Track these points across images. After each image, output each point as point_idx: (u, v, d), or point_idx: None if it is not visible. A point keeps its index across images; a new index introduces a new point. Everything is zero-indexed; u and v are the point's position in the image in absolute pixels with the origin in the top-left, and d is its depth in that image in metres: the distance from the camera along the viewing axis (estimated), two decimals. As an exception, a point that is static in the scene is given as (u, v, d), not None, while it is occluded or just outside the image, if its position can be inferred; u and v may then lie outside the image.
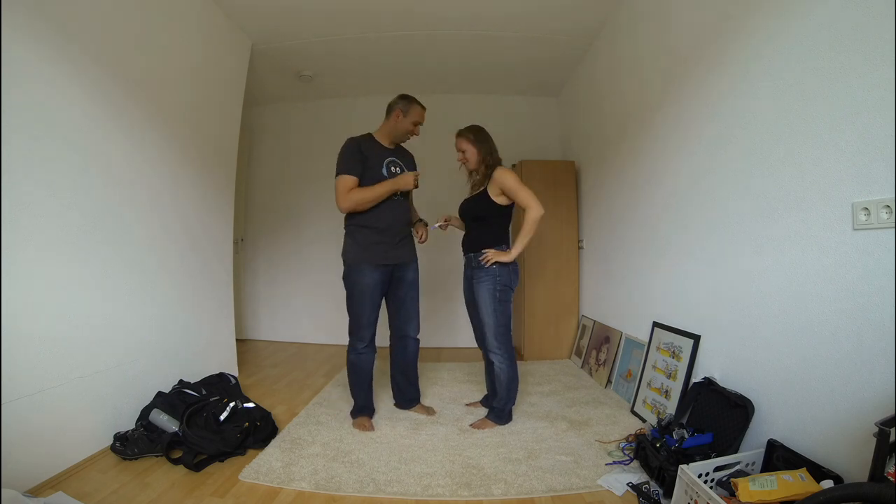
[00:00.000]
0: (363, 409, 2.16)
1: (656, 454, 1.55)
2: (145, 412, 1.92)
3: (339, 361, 3.32)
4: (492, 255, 2.00)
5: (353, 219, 2.07)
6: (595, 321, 3.10)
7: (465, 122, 2.21)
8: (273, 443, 1.90)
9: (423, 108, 2.13)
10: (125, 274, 1.98)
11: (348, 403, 2.27)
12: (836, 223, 1.26)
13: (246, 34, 2.96)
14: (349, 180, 1.99)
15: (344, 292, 2.11)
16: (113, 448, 1.76)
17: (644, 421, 2.11)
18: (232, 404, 1.93)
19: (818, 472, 1.22)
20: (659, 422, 1.77)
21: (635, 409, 2.23)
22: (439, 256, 3.73)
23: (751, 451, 1.44)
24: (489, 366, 2.20)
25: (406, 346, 2.22)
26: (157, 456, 1.75)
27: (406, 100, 2.10)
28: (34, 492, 1.46)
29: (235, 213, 3.02)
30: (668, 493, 1.40)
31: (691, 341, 1.93)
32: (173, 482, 1.59)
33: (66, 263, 1.70)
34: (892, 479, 0.94)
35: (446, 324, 3.87)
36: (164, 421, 1.85)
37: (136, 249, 2.06)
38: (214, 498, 1.50)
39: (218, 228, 2.77)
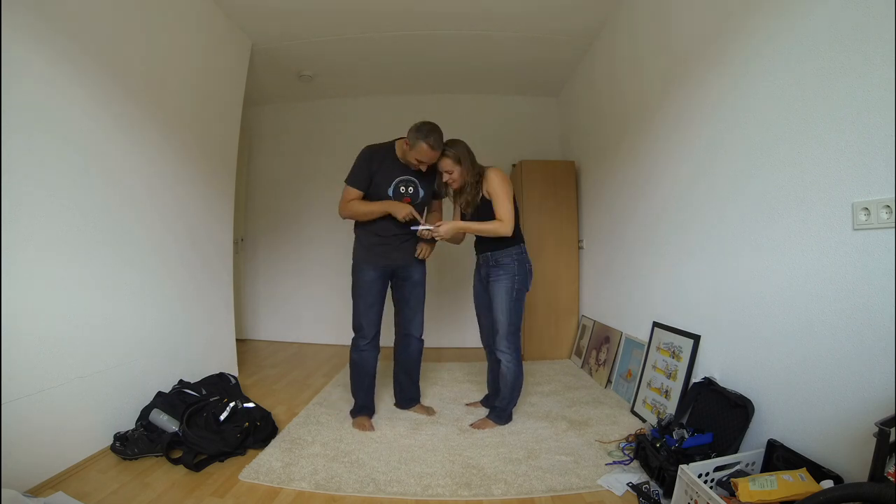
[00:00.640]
0: (363, 409, 2.16)
1: (656, 454, 1.55)
2: (145, 412, 1.92)
3: (339, 361, 3.32)
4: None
5: (360, 222, 2.12)
6: (595, 321, 3.10)
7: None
8: (273, 443, 1.90)
9: (433, 148, 1.89)
10: (125, 274, 1.98)
11: (348, 403, 2.28)
12: (836, 223, 1.26)
13: (246, 34, 2.96)
14: (352, 192, 2.04)
15: (347, 292, 2.14)
16: (113, 448, 1.76)
17: (644, 421, 2.11)
18: (232, 404, 1.93)
19: (818, 472, 1.22)
20: (659, 422, 1.77)
21: (635, 409, 2.23)
22: (439, 257, 3.72)
23: (751, 451, 1.44)
24: (493, 365, 2.20)
25: (409, 345, 2.22)
26: (157, 456, 1.75)
27: (418, 133, 1.88)
28: (34, 492, 1.46)
29: (235, 213, 3.02)
30: (668, 493, 1.40)
31: (691, 341, 1.93)
32: (173, 482, 1.59)
33: (66, 263, 1.69)
34: (892, 479, 0.94)
35: (446, 324, 3.87)
36: (164, 421, 1.85)
37: (136, 249, 2.06)
38: (214, 498, 1.50)
39: (218, 228, 2.77)
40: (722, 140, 1.77)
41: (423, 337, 2.25)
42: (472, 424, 2.10)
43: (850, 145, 1.21)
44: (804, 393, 1.36)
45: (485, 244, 2.11)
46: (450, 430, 2.05)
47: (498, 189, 1.98)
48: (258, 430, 1.89)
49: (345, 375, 2.27)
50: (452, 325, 3.88)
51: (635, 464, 1.68)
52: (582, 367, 3.06)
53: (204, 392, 2.09)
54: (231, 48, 2.86)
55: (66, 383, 1.66)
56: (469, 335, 3.56)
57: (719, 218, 1.79)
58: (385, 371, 2.60)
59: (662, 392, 2.05)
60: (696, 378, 1.85)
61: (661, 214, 2.26)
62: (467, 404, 2.40)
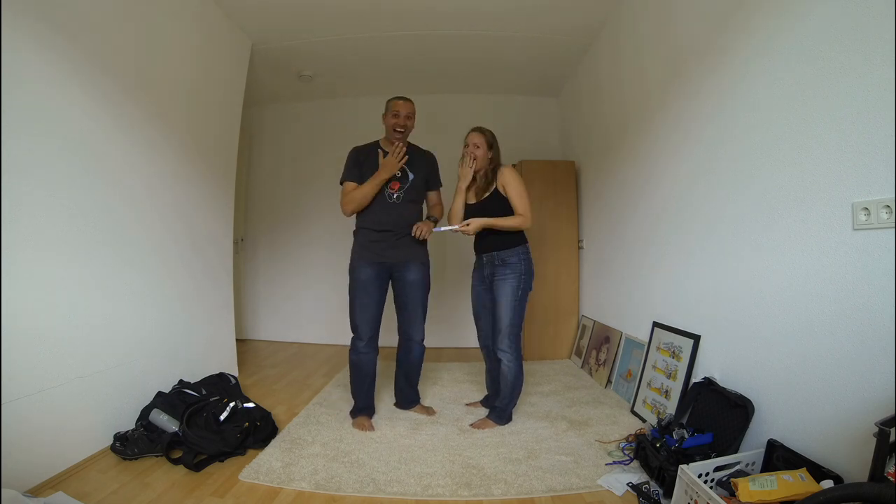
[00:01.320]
0: (363, 410, 2.16)
1: (656, 454, 1.55)
2: (145, 412, 1.92)
3: (339, 361, 3.32)
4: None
5: (357, 220, 2.15)
6: (595, 321, 3.10)
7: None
8: (273, 443, 1.90)
9: (401, 99, 2.12)
10: (125, 274, 1.98)
11: (348, 403, 2.27)
12: (836, 223, 1.26)
13: (246, 34, 2.96)
14: (349, 186, 2.10)
15: (346, 292, 2.14)
16: (113, 448, 1.76)
17: (644, 421, 2.11)
18: (232, 404, 1.93)
19: (818, 472, 1.22)
20: (659, 422, 1.77)
21: (635, 409, 2.22)
22: (438, 257, 3.73)
23: (751, 451, 1.44)
24: (492, 367, 2.20)
25: (410, 350, 2.20)
26: (157, 456, 1.75)
27: (387, 101, 2.15)
28: (34, 492, 1.46)
29: (235, 213, 3.02)
30: (668, 493, 1.40)
31: (691, 341, 1.93)
32: (173, 482, 1.59)
33: (66, 263, 1.69)
34: (892, 479, 0.94)
35: (446, 324, 3.87)
36: (164, 421, 1.85)
37: (136, 249, 2.06)
38: (214, 498, 1.50)
39: (218, 228, 2.77)
40: (722, 140, 1.77)
41: (424, 341, 2.21)
42: (472, 424, 2.11)
43: (850, 145, 1.21)
44: (804, 393, 1.36)
45: (489, 244, 2.11)
46: (450, 430, 2.05)
47: (518, 185, 2.05)
48: (258, 430, 1.89)
49: (345, 375, 2.27)
50: (452, 325, 3.88)
51: (635, 464, 1.68)
52: (582, 367, 3.06)
53: (204, 392, 2.09)
54: (231, 48, 2.86)
55: (66, 383, 1.66)
56: (469, 335, 3.55)
57: (719, 218, 1.79)
58: (385, 371, 2.59)
59: (662, 392, 2.05)
60: (696, 378, 1.85)
61: (661, 214, 2.26)
62: (467, 404, 2.40)
